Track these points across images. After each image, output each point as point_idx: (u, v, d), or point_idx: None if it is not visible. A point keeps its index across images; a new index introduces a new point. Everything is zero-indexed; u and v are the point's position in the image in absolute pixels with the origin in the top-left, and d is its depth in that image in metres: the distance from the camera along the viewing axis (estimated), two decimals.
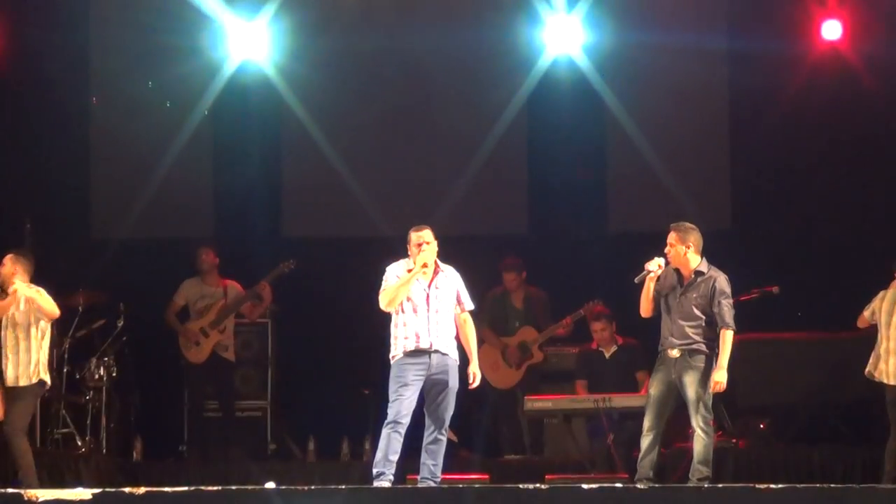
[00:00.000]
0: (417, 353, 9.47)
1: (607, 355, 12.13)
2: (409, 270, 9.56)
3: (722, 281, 9.97)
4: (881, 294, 10.52)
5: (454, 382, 9.54)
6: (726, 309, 9.93)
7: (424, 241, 9.57)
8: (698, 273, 9.98)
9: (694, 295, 9.93)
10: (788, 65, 13.73)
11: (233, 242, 13.87)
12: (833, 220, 13.65)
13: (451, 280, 9.70)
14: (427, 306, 9.55)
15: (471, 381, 9.65)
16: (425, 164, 13.95)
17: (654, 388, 9.95)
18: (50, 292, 11.62)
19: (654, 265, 9.93)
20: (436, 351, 9.49)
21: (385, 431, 9.40)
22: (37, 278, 11.72)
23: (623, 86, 13.87)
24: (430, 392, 9.49)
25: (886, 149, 13.58)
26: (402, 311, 9.56)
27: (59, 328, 12.19)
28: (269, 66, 13.92)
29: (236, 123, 14.13)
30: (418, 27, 13.89)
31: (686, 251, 9.96)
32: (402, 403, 9.39)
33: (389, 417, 9.40)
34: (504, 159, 13.96)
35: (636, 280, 9.98)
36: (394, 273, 9.62)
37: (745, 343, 12.32)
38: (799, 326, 12.55)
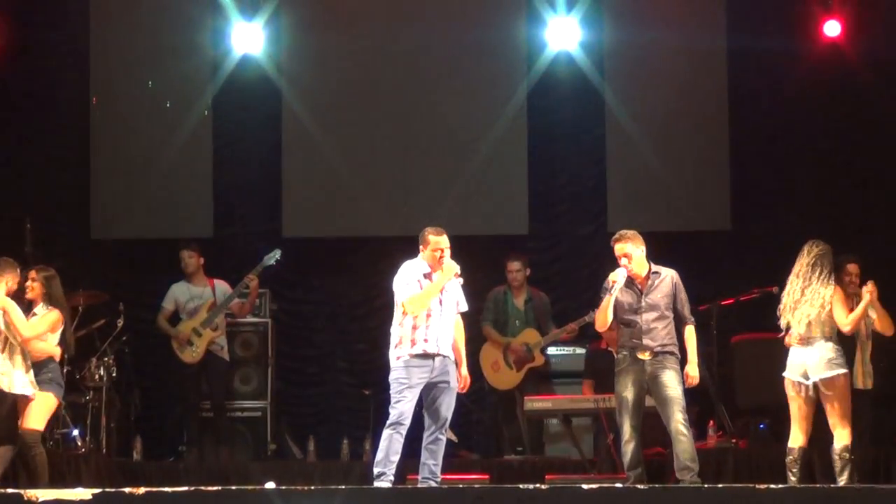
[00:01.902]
0: (424, 356, 9.46)
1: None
2: (427, 275, 9.53)
3: (677, 276, 10.06)
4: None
5: (455, 383, 9.55)
6: (687, 304, 10.05)
7: (446, 246, 9.58)
8: (654, 273, 10.02)
9: (660, 295, 9.96)
10: (788, 64, 13.74)
11: (232, 242, 13.88)
12: (832, 221, 13.64)
13: (454, 282, 9.68)
14: (440, 310, 9.55)
15: (461, 385, 9.63)
16: (426, 164, 13.95)
17: (630, 391, 9.89)
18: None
19: (621, 276, 9.92)
20: (441, 355, 9.49)
21: (387, 432, 9.39)
22: None
23: (623, 86, 13.90)
24: (431, 392, 9.49)
25: (886, 148, 13.58)
26: (415, 317, 9.53)
27: None
28: (268, 65, 13.94)
29: (236, 123, 14.13)
30: (417, 26, 13.90)
31: (643, 254, 10.00)
32: (406, 405, 9.38)
33: (392, 418, 9.39)
34: (504, 159, 13.96)
35: (610, 293, 9.92)
36: (410, 275, 9.55)
37: (745, 343, 12.34)
38: None
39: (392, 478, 9.34)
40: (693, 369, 9.94)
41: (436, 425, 9.48)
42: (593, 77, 13.91)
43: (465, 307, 9.79)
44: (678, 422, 9.77)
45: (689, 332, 10.00)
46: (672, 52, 13.76)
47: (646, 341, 9.88)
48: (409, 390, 9.40)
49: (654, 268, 10.03)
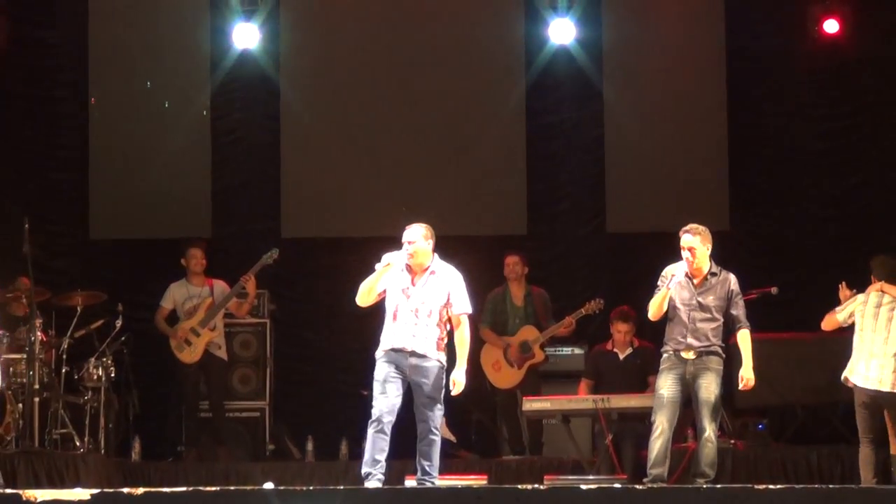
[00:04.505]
0: (393, 352, 9.42)
1: (621, 357, 11.99)
2: (403, 270, 9.50)
3: (735, 280, 10.03)
4: (861, 298, 10.45)
5: (436, 384, 9.43)
6: (743, 308, 10.01)
7: (408, 240, 9.48)
8: (713, 274, 9.98)
9: (712, 297, 9.94)
10: (787, 63, 13.75)
11: (231, 242, 13.88)
12: (831, 220, 13.65)
13: (444, 282, 9.54)
14: (407, 306, 9.45)
15: (451, 387, 9.48)
16: (424, 164, 13.94)
17: (669, 388, 9.89)
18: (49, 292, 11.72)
19: (680, 269, 9.89)
20: (412, 353, 9.40)
21: (369, 432, 9.36)
22: (36, 278, 11.75)
23: (622, 85, 13.89)
24: (414, 394, 9.44)
25: (885, 148, 13.58)
26: (386, 310, 9.51)
27: (58, 329, 12.21)
28: (267, 65, 13.95)
29: (234, 123, 14.13)
30: (415, 25, 13.91)
31: (708, 252, 9.97)
32: (381, 402, 9.34)
33: (372, 417, 9.37)
34: (503, 159, 13.96)
35: (668, 286, 9.88)
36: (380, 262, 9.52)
37: None
38: (797, 326, 12.55)
39: (381, 476, 9.30)
40: (749, 372, 9.95)
41: (422, 427, 9.41)
42: (592, 76, 13.91)
43: (463, 309, 9.56)
44: (710, 426, 9.80)
45: (745, 336, 10.01)
46: (671, 51, 13.77)
47: (690, 340, 9.88)
48: (382, 386, 9.36)
49: (714, 268, 10.01)
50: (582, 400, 11.55)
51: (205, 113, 14.01)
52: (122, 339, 12.42)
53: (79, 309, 12.22)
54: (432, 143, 13.95)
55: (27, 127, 13.82)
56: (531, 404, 11.54)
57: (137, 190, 13.81)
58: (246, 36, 13.80)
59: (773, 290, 12.15)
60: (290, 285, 13.80)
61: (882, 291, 10.27)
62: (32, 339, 11.36)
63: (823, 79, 13.77)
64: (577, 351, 13.02)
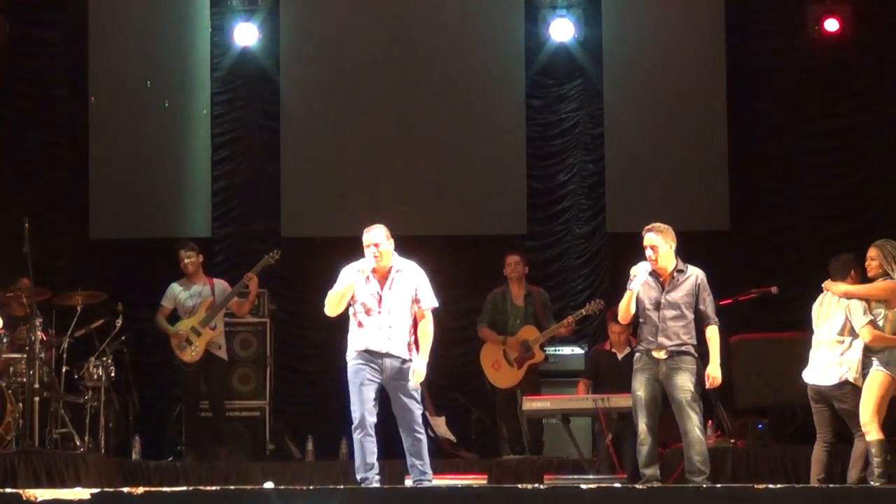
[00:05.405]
0: (367, 354, 9.36)
1: (620, 357, 11.98)
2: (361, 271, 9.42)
3: (703, 276, 9.97)
4: (819, 300, 10.48)
5: (413, 384, 9.39)
6: (711, 305, 9.95)
7: (372, 242, 9.39)
8: (679, 271, 9.95)
9: (681, 294, 9.89)
10: (787, 62, 13.75)
11: (231, 242, 13.88)
12: (831, 220, 13.65)
13: (409, 278, 9.48)
14: (379, 309, 9.40)
15: (410, 376, 9.39)
16: (424, 163, 13.93)
17: (643, 390, 9.84)
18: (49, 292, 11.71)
19: (642, 269, 9.86)
20: (388, 354, 9.37)
21: (355, 437, 9.31)
22: (36, 278, 11.75)
23: (622, 84, 13.89)
24: (391, 396, 9.41)
25: (886, 148, 13.58)
26: (356, 315, 9.45)
27: (58, 328, 12.21)
28: (267, 64, 13.97)
29: (234, 122, 14.14)
30: (415, 25, 13.91)
31: (671, 250, 9.94)
32: (363, 405, 9.29)
33: (355, 422, 9.31)
34: (503, 159, 13.95)
35: (636, 287, 9.87)
36: (343, 275, 9.42)
37: (744, 343, 12.34)
38: (797, 326, 12.55)
39: (377, 478, 9.29)
40: (715, 370, 9.88)
41: (402, 428, 9.39)
42: (592, 75, 13.92)
43: (429, 304, 9.49)
44: (692, 424, 9.74)
45: (712, 333, 9.90)
46: (671, 51, 13.77)
47: (661, 339, 9.82)
48: (360, 389, 9.32)
49: (681, 266, 9.96)
50: (582, 399, 11.55)
51: (205, 112, 14.02)
52: (122, 338, 12.42)
53: (79, 309, 12.22)
54: (432, 143, 13.94)
55: (27, 127, 13.82)
56: (531, 404, 11.54)
57: (137, 190, 13.81)
58: (246, 35, 13.83)
59: (773, 289, 12.14)
60: (290, 285, 13.79)
61: (826, 289, 10.32)
62: (32, 338, 11.35)
63: (823, 78, 13.77)
64: (577, 351, 13.04)
